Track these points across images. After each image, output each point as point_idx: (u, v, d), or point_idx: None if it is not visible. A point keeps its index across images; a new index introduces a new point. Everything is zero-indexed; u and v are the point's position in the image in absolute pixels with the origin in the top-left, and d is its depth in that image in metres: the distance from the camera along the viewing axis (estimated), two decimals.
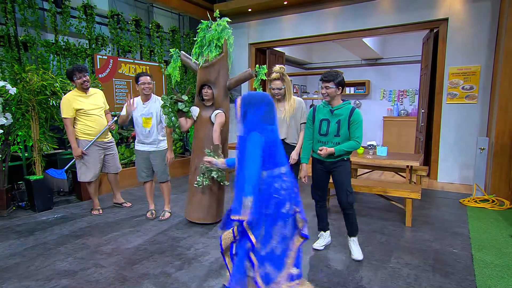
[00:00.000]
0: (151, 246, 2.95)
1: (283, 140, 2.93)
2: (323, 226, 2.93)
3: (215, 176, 3.26)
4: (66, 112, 3.47)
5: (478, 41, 4.97)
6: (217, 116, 3.27)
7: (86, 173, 3.64)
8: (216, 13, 3.25)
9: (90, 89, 3.65)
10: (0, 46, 4.08)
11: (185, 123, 3.35)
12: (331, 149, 2.56)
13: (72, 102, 3.48)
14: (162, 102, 3.26)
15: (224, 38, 3.26)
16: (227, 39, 3.29)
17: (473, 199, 4.31)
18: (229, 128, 3.57)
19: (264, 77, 3.43)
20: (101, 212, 3.84)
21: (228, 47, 3.33)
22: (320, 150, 2.59)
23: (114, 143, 3.92)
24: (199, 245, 2.98)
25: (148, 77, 3.44)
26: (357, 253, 2.69)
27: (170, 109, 3.27)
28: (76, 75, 3.49)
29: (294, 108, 2.95)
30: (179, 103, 3.27)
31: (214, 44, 3.24)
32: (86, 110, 3.55)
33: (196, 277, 2.41)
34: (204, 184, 3.25)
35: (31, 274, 2.47)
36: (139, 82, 3.41)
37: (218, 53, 3.27)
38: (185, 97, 3.30)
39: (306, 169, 2.82)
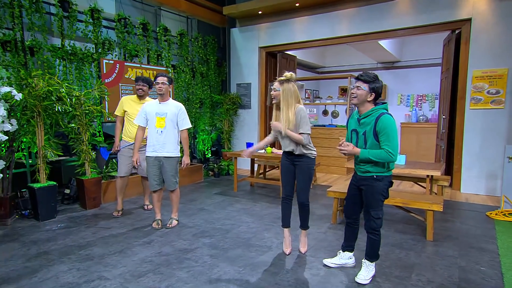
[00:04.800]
0: (157, 258, 2.79)
1: (291, 152, 2.68)
2: (343, 245, 2.63)
3: None
4: (117, 110, 3.94)
5: (505, 42, 4.64)
6: None
7: (119, 169, 3.98)
8: None
9: (147, 98, 3.96)
10: (7, 51, 4.03)
11: None
12: (356, 150, 2.28)
13: (124, 103, 3.90)
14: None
15: None
16: None
17: (502, 212, 3.97)
18: None
19: None
20: (119, 214, 3.97)
21: None
22: (340, 145, 2.31)
23: None
24: (206, 257, 2.81)
25: (165, 78, 3.39)
26: (361, 276, 2.39)
27: None
28: (138, 82, 3.89)
29: (293, 120, 2.60)
30: None
31: None
32: (129, 113, 3.86)
33: None
34: None
35: (34, 286, 2.34)
36: (155, 81, 3.42)
37: None
38: None
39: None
